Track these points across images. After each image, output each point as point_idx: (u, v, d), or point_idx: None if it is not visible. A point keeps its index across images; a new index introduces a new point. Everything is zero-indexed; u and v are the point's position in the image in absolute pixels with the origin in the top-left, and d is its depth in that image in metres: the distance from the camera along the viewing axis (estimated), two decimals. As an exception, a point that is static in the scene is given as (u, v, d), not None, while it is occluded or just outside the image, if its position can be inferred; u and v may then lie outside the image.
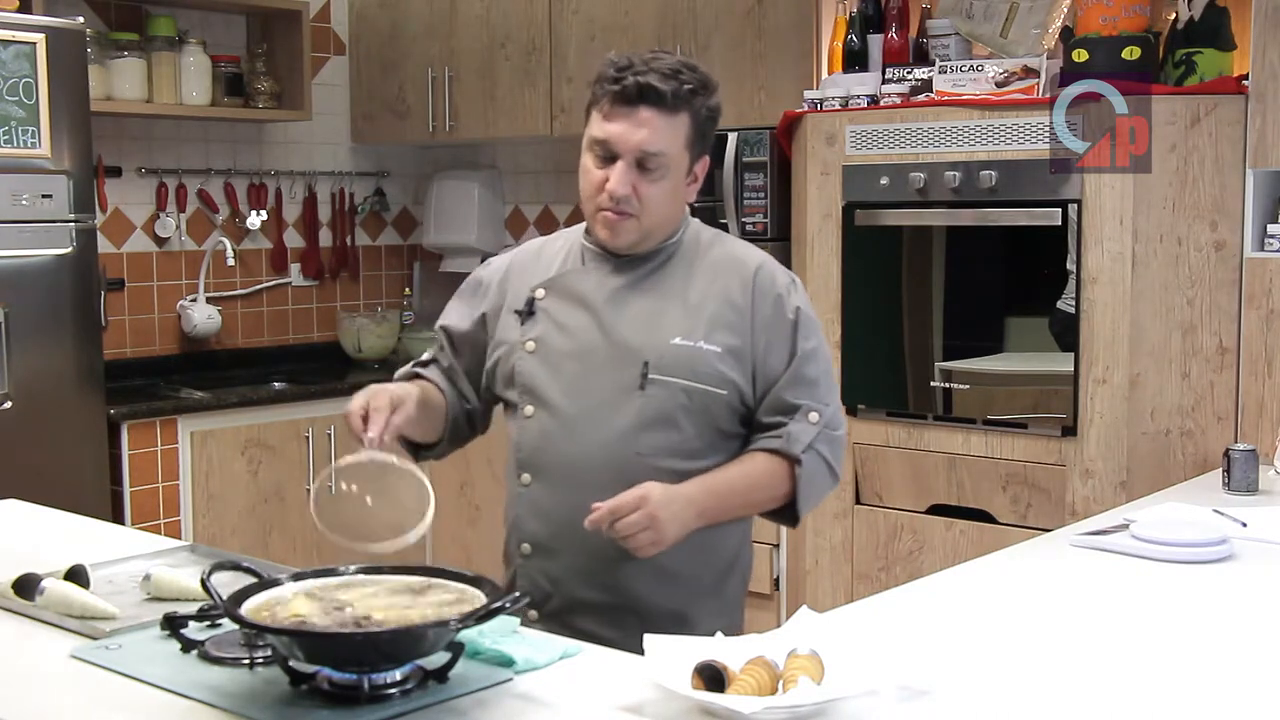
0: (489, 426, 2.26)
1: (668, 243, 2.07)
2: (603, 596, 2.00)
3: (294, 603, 1.58)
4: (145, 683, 1.59)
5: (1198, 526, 2.35)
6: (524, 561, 2.08)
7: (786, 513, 2.06)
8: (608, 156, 1.97)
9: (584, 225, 2.12)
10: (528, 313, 2.08)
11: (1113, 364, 3.20)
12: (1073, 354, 3.24)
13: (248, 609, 1.54)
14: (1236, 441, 3.00)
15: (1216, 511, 2.50)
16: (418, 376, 2.19)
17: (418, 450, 2.17)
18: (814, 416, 2.01)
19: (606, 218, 2.00)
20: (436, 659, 1.53)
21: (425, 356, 2.24)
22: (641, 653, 1.59)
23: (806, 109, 3.71)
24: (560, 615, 2.02)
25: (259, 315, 4.97)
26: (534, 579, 2.06)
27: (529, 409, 2.05)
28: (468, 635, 1.57)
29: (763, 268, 2.07)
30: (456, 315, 2.21)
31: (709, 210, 4.03)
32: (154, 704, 1.54)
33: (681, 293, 2.04)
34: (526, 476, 2.06)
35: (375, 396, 1.95)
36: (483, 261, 2.29)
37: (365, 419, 1.92)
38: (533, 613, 2.05)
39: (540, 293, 2.09)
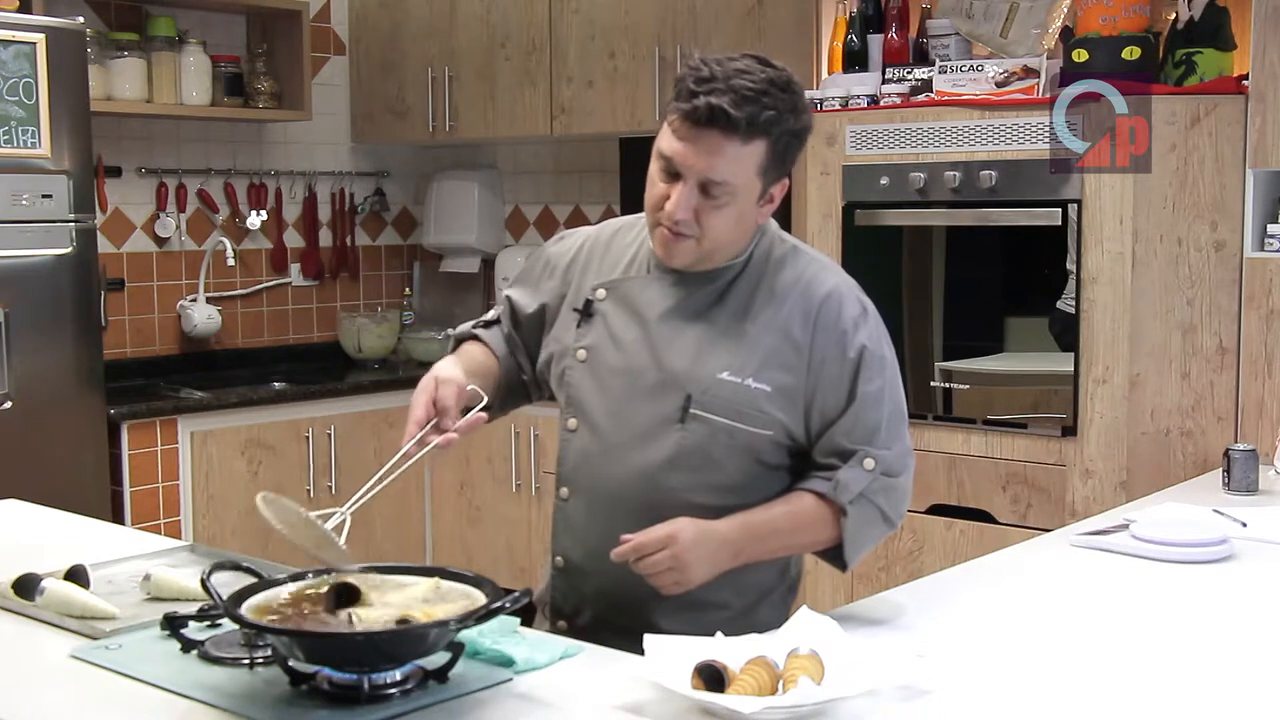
0: (544, 396, 2.15)
1: (734, 261, 1.93)
2: (628, 622, 1.90)
3: (296, 600, 1.58)
4: (145, 683, 1.59)
5: (1198, 526, 2.35)
6: (557, 574, 2.05)
7: (834, 556, 1.96)
8: (672, 173, 1.84)
9: None
10: (585, 314, 1.99)
11: (1113, 364, 3.20)
12: (1073, 354, 3.24)
13: (248, 609, 1.54)
14: (1236, 441, 3.00)
15: (1216, 511, 2.50)
16: (475, 338, 2.11)
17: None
18: (869, 464, 1.89)
19: (663, 235, 1.87)
20: (436, 659, 1.53)
21: (490, 315, 2.15)
22: (642, 653, 1.59)
23: (806, 109, 3.70)
24: (589, 632, 1.94)
25: (259, 315, 4.97)
26: (566, 593, 2.03)
27: (572, 421, 1.99)
28: (468, 635, 1.57)
29: (830, 298, 1.91)
30: (520, 293, 2.12)
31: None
32: (154, 704, 1.54)
33: (739, 321, 1.91)
34: (565, 491, 2.01)
35: (443, 389, 1.84)
36: (558, 234, 2.17)
37: (433, 409, 1.83)
38: (562, 623, 2.02)
39: (601, 293, 1.99)
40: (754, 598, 2.00)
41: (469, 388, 1.88)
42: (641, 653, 1.59)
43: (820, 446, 1.92)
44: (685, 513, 1.86)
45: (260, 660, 1.60)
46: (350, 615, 1.53)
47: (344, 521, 1.69)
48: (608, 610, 1.97)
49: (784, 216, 3.85)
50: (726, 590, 1.94)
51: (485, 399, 1.91)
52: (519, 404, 2.17)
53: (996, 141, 3.33)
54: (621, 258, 2.02)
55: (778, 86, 1.81)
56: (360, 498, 1.73)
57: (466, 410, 1.87)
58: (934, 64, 3.49)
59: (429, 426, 1.82)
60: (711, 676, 1.50)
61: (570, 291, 2.04)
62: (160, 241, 4.68)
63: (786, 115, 1.82)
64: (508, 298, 2.14)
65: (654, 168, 1.87)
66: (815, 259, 1.99)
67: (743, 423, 1.88)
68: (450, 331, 2.16)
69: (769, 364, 1.89)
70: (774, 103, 1.80)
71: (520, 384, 2.14)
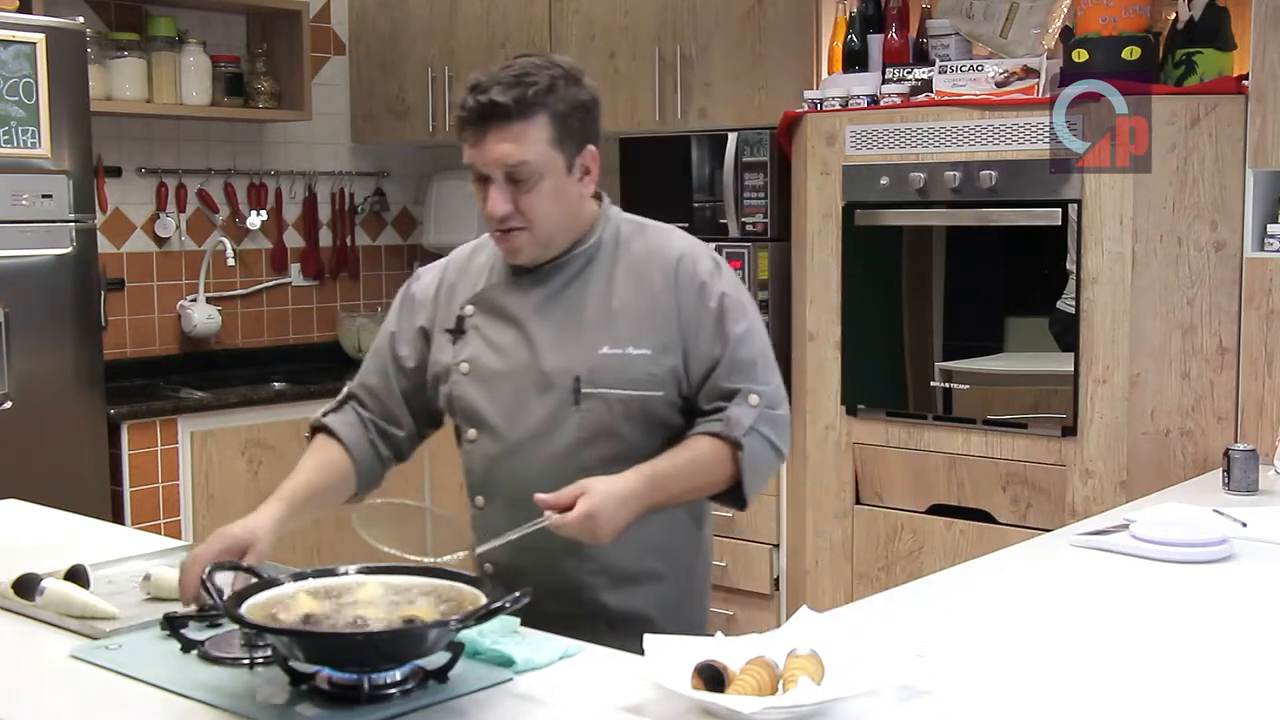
0: (414, 451, 2.20)
1: (584, 246, 2.03)
2: (570, 608, 1.98)
3: (298, 600, 1.58)
4: (145, 683, 1.59)
5: (1198, 526, 2.35)
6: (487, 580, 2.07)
7: (733, 495, 2.03)
8: (481, 179, 1.95)
9: None
10: (458, 331, 2.07)
11: (1113, 364, 3.20)
12: (1073, 354, 3.25)
13: (248, 609, 1.54)
14: (1236, 441, 3.00)
15: (1216, 511, 2.50)
16: (325, 429, 2.11)
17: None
18: (754, 399, 1.99)
19: (499, 237, 1.99)
20: (436, 659, 1.53)
21: (342, 394, 2.16)
22: (641, 653, 1.59)
23: (806, 109, 3.71)
24: (529, 624, 1.97)
25: (259, 315, 4.97)
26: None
27: (471, 432, 2.05)
28: (468, 635, 1.57)
29: (684, 257, 2.02)
30: (397, 328, 2.16)
31: (709, 210, 4.04)
32: (154, 704, 1.55)
33: (605, 298, 2.01)
34: (480, 499, 2.06)
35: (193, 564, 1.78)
36: (412, 274, 2.24)
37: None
38: None
39: (469, 309, 2.07)
40: (685, 559, 2.11)
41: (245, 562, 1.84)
42: (639, 651, 1.60)
43: (705, 393, 2.01)
44: None
45: (260, 660, 1.60)
46: (357, 618, 1.53)
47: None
48: (546, 601, 1.94)
49: (784, 217, 3.86)
50: (653, 559, 2.04)
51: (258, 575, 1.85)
52: (382, 476, 2.18)
53: (996, 141, 3.34)
54: (480, 275, 2.11)
55: (540, 66, 1.95)
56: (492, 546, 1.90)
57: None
58: (934, 64, 3.49)
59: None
60: (711, 676, 1.50)
61: (440, 316, 2.11)
62: (160, 241, 4.68)
63: (556, 85, 1.94)
64: (388, 341, 2.15)
65: (471, 187, 1.99)
66: (662, 228, 2.10)
67: (635, 389, 1.97)
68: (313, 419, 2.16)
69: (643, 329, 1.99)
70: (537, 79, 1.93)
71: (377, 459, 2.14)
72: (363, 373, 2.17)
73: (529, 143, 1.92)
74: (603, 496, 1.85)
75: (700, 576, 2.15)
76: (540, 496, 1.85)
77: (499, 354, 2.03)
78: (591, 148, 2.00)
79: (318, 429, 2.13)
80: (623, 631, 1.94)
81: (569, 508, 1.83)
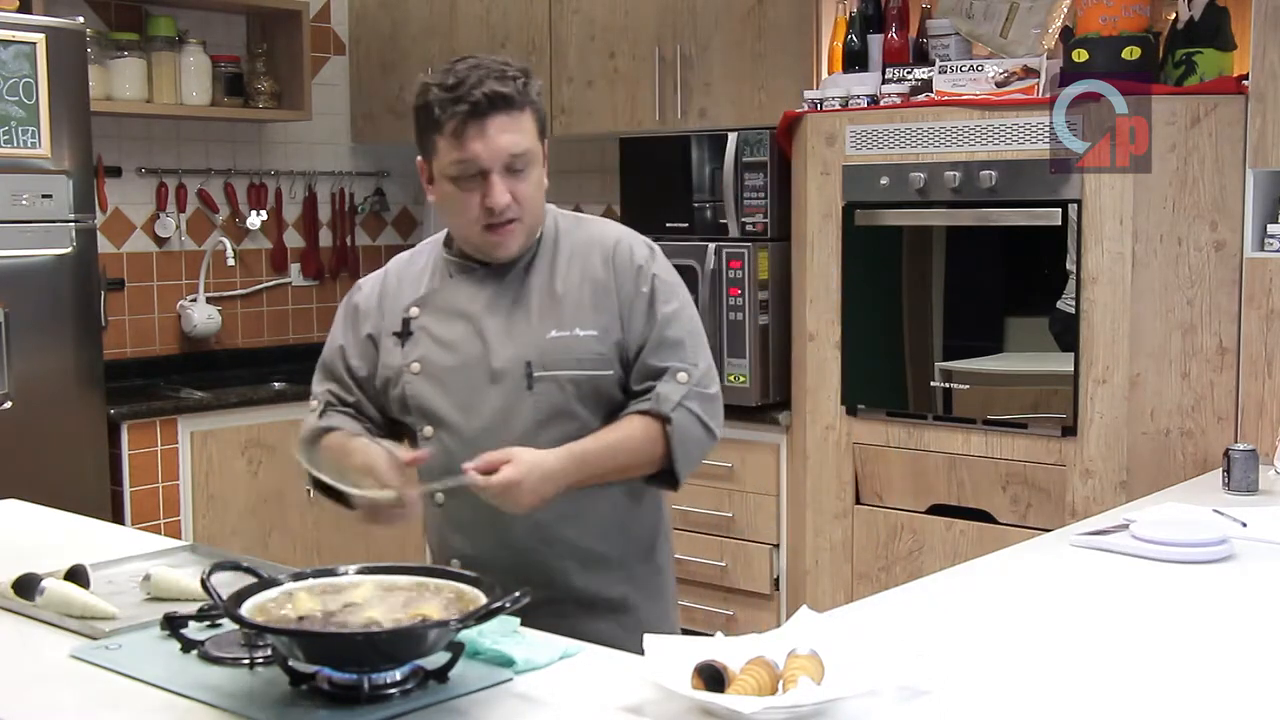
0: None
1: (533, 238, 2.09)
2: (541, 593, 1.91)
3: (297, 599, 1.58)
4: (145, 683, 1.59)
5: (1198, 526, 2.35)
6: None
7: (666, 476, 2.05)
8: (473, 175, 1.97)
9: (442, 238, 2.14)
10: (405, 334, 2.09)
11: (1113, 364, 3.20)
12: (1073, 354, 3.24)
13: (248, 609, 1.54)
14: (1236, 441, 3.00)
15: (1216, 511, 2.50)
16: (327, 431, 2.11)
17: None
18: (682, 376, 2.02)
19: (494, 234, 2.00)
20: (436, 659, 1.53)
21: (316, 407, 2.15)
22: (641, 652, 1.59)
23: (806, 109, 3.71)
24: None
25: (259, 315, 4.97)
26: None
27: (428, 430, 2.06)
28: (468, 635, 1.57)
29: (621, 241, 2.09)
30: (344, 341, 2.16)
31: (709, 210, 4.04)
32: (154, 704, 1.55)
33: (549, 285, 2.05)
34: (440, 495, 2.05)
35: (375, 468, 1.91)
36: (353, 287, 2.25)
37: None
38: None
39: (414, 311, 2.09)
40: (646, 543, 2.14)
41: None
42: (575, 629, 1.61)
43: (636, 372, 2.05)
44: None
45: (260, 660, 1.60)
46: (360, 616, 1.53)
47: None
48: (516, 589, 1.98)
49: (784, 217, 3.86)
50: (616, 538, 2.09)
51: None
52: None
53: (996, 141, 3.34)
54: (421, 278, 2.13)
55: (504, 62, 2.01)
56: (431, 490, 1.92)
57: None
58: (934, 64, 3.49)
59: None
60: (711, 676, 1.50)
61: (385, 321, 2.13)
62: (160, 241, 4.68)
63: (531, 78, 2.03)
64: (335, 355, 2.16)
65: (448, 187, 2.00)
66: (598, 220, 2.17)
67: (584, 369, 2.02)
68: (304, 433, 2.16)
69: (587, 311, 2.04)
70: (517, 73, 2.00)
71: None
72: (322, 388, 2.17)
73: (526, 132, 1.99)
74: (528, 466, 1.87)
75: (664, 553, 2.19)
76: (467, 464, 1.86)
77: (449, 350, 2.06)
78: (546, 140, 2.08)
79: (314, 438, 2.10)
80: (596, 613, 2.00)
81: (493, 471, 1.85)
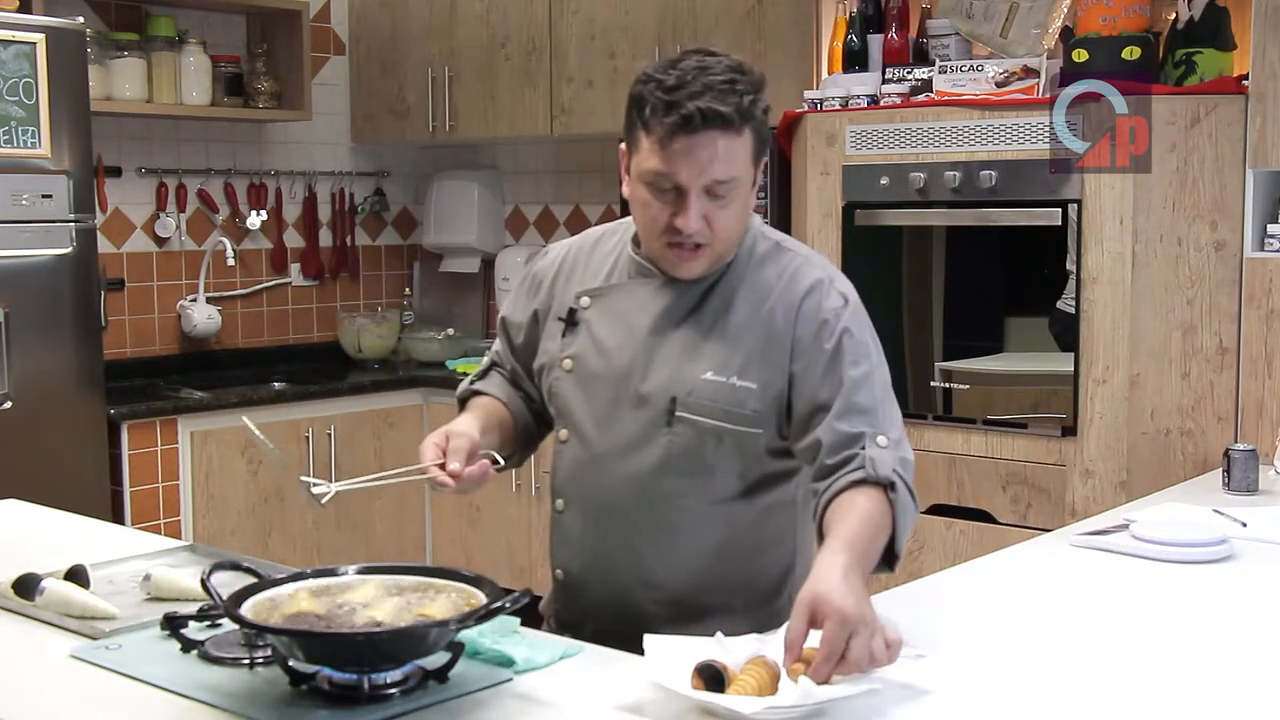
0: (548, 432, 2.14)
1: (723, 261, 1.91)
2: (630, 631, 1.82)
3: (296, 600, 1.58)
4: (145, 683, 1.59)
5: (1198, 526, 2.35)
6: (558, 586, 2.04)
7: (884, 556, 1.77)
8: (667, 189, 1.79)
9: (633, 228, 1.94)
10: (570, 323, 1.97)
11: (1113, 364, 3.20)
12: (1073, 354, 3.24)
13: (248, 609, 1.54)
14: (1236, 441, 3.00)
15: (1216, 511, 2.50)
16: (477, 394, 2.08)
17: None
18: (882, 440, 1.79)
19: (679, 255, 1.83)
20: (436, 659, 1.53)
21: (484, 363, 2.12)
22: (641, 653, 1.59)
23: (806, 109, 3.71)
24: (593, 643, 1.90)
25: (259, 315, 4.97)
26: (567, 605, 2.03)
27: (564, 432, 1.99)
28: (468, 635, 1.57)
29: (812, 292, 1.88)
30: (513, 313, 2.10)
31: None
32: (154, 704, 1.54)
33: (723, 320, 1.88)
34: (560, 502, 2.00)
35: (455, 440, 1.83)
36: (542, 250, 2.15)
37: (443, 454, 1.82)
38: (567, 635, 1.96)
39: (585, 301, 1.97)
40: (759, 595, 1.96)
41: (481, 450, 1.86)
42: (642, 654, 1.59)
43: (828, 446, 1.81)
44: (679, 518, 1.87)
45: (260, 660, 1.60)
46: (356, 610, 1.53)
47: (327, 492, 1.77)
48: (610, 621, 1.94)
49: (784, 217, 3.85)
50: (727, 593, 1.92)
51: (499, 459, 1.90)
52: (539, 439, 2.14)
53: (996, 141, 3.34)
54: (603, 266, 1.99)
55: (739, 71, 1.79)
56: (352, 484, 1.79)
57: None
58: (934, 64, 3.49)
59: (436, 464, 1.81)
60: (711, 676, 1.50)
61: (555, 303, 2.02)
62: (160, 241, 4.68)
63: (760, 96, 1.80)
64: (502, 321, 2.12)
65: (642, 191, 1.82)
66: (798, 254, 1.95)
67: (730, 422, 1.85)
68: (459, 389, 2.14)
69: (753, 361, 1.86)
70: (746, 86, 1.78)
71: (534, 418, 2.11)
72: (494, 346, 2.14)
73: (739, 158, 1.79)
74: (841, 595, 1.54)
75: (788, 593, 1.92)
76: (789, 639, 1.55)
77: (604, 356, 1.93)
78: (765, 158, 1.86)
79: (464, 399, 2.08)
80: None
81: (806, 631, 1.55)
